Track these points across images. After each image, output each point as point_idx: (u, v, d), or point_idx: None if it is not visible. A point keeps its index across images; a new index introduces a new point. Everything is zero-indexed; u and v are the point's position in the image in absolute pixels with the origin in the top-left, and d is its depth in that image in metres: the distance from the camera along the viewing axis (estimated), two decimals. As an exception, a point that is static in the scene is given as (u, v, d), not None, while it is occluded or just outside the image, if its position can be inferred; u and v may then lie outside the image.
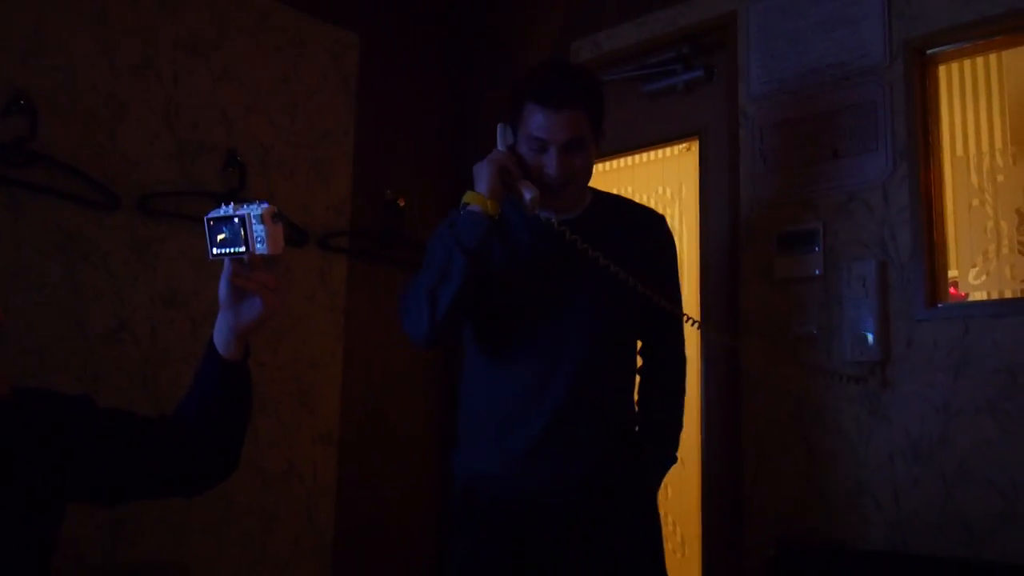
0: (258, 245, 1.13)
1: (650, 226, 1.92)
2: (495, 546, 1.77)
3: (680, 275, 1.99)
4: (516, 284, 1.78)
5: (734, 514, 2.29)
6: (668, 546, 3.18)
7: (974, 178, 2.15)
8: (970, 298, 2.20)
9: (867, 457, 2.07)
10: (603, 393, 1.79)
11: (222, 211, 1.16)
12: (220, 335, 1.26)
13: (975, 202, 2.15)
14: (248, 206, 1.14)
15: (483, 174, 1.69)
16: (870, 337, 2.07)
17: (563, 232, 1.70)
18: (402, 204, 2.89)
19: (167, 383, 2.33)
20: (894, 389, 2.05)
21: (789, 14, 2.32)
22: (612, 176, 3.34)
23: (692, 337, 2.11)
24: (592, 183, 1.90)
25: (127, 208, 2.30)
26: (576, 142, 1.72)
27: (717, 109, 2.50)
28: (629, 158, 3.25)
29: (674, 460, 1.90)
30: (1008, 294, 2.12)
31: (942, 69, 2.18)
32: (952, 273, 2.14)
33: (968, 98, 2.35)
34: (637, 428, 1.89)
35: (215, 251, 1.17)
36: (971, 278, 2.13)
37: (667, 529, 3.22)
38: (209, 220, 1.16)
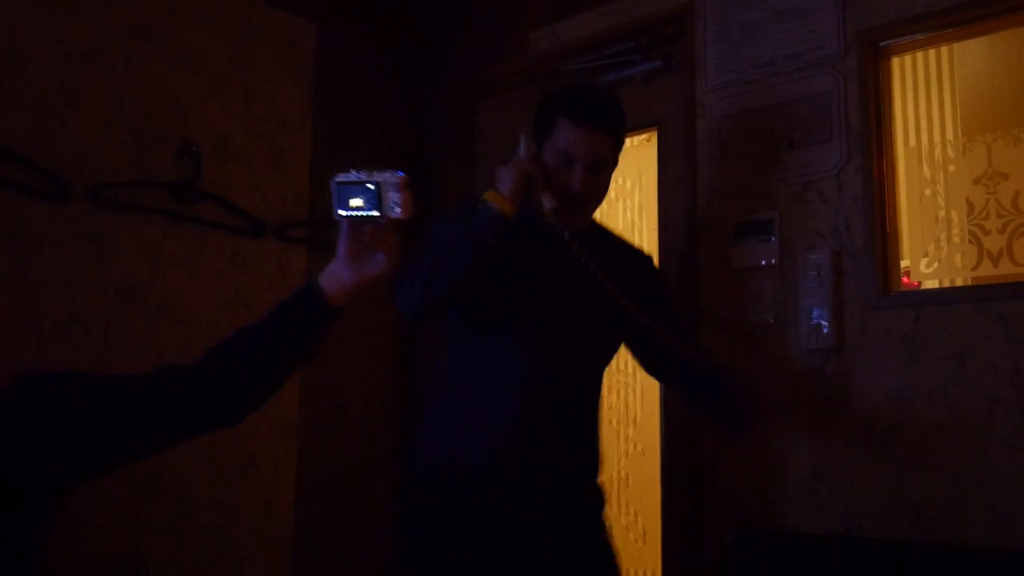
0: (396, 210, 1.24)
1: (639, 262, 2.03)
2: (457, 530, 1.78)
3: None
4: (514, 283, 1.82)
5: (693, 502, 2.31)
6: (630, 536, 3.22)
7: (926, 168, 2.19)
8: (922, 286, 2.24)
9: (822, 444, 2.10)
10: (581, 397, 1.88)
11: (352, 176, 1.26)
12: (331, 280, 1.33)
13: (927, 192, 2.19)
14: (379, 174, 1.25)
15: (508, 177, 1.73)
16: (825, 325, 2.10)
17: (572, 243, 1.76)
18: (362, 195, 2.87)
19: (121, 376, 2.30)
20: (848, 376, 2.08)
21: (745, 5, 2.34)
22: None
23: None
24: None
25: (79, 198, 2.25)
26: (600, 162, 1.81)
27: (675, 100, 2.51)
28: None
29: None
30: (959, 282, 2.16)
31: (895, 61, 2.21)
32: (905, 263, 2.18)
33: (921, 90, 2.39)
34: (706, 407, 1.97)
35: (343, 212, 1.27)
36: (922, 267, 2.17)
37: (628, 519, 3.25)
38: (338, 183, 1.27)
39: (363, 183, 1.25)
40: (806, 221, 2.19)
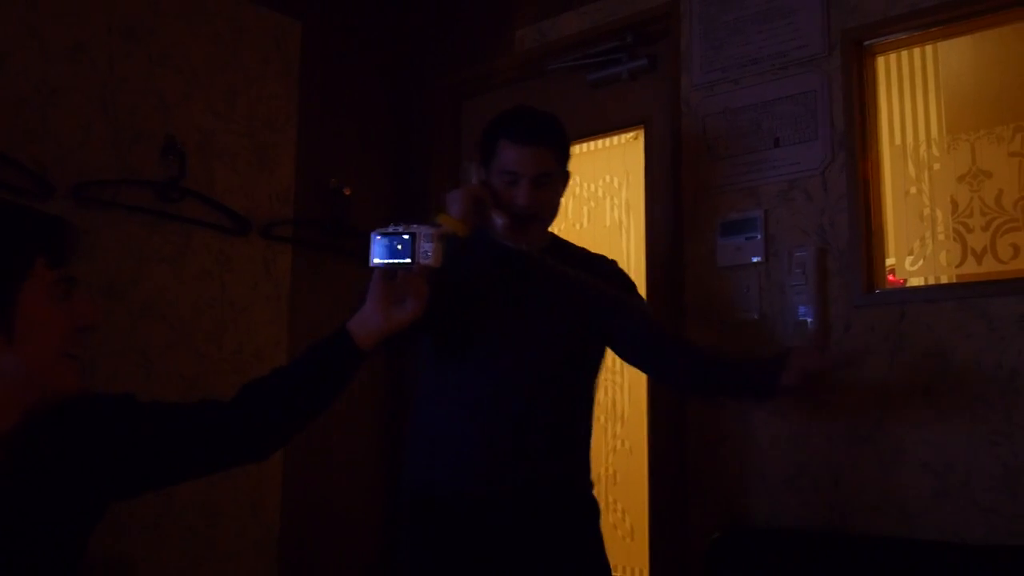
0: (427, 257, 1.34)
1: (603, 266, 2.05)
2: (446, 550, 1.81)
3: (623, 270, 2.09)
4: (477, 305, 1.87)
5: (680, 499, 2.31)
6: (617, 533, 3.22)
7: (911, 166, 2.19)
8: (908, 284, 2.25)
9: (807, 441, 2.11)
10: (558, 408, 1.88)
11: (391, 228, 1.36)
12: (362, 328, 1.39)
13: (912, 190, 2.19)
14: (416, 226, 1.35)
15: (456, 200, 1.80)
16: (809, 323, 2.11)
17: (531, 255, 1.87)
18: (347, 193, 2.86)
19: (106, 376, 2.28)
20: (833, 374, 2.08)
21: (730, 4, 2.35)
22: (559, 165, 3.34)
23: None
24: None
25: (62, 197, 2.24)
26: (544, 177, 1.86)
27: (661, 98, 2.51)
28: (576, 147, 3.26)
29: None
30: (944, 279, 2.17)
31: (880, 60, 2.22)
32: (890, 260, 2.18)
33: (906, 88, 2.39)
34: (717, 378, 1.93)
35: (377, 260, 1.36)
36: (908, 264, 2.17)
37: (616, 517, 3.26)
38: (376, 234, 1.36)
39: (400, 234, 1.35)
40: (791, 219, 2.20)
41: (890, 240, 2.17)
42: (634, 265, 2.84)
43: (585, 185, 3.51)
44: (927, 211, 2.17)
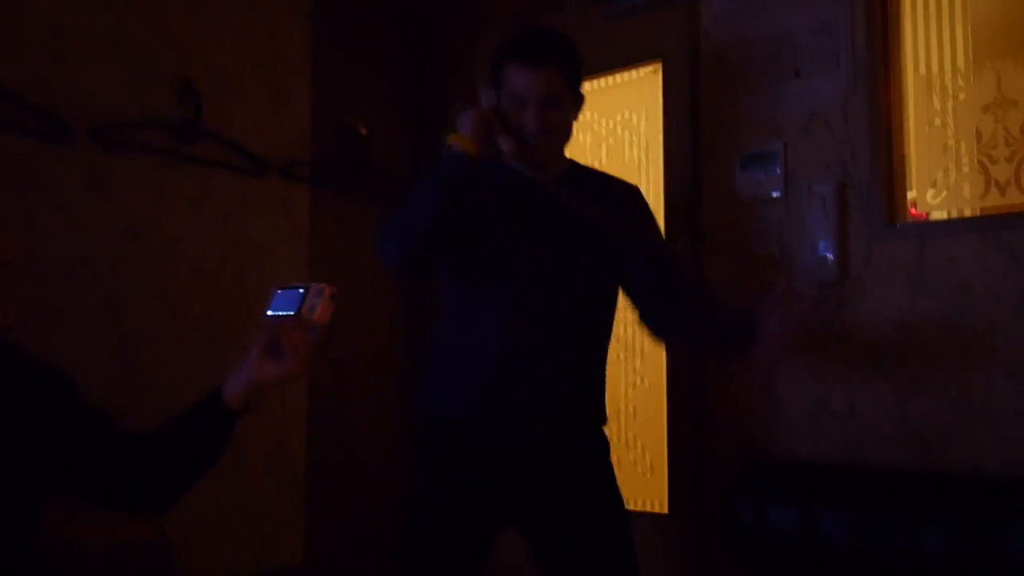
0: (308, 311, 1.31)
1: (624, 193, 2.00)
2: (456, 476, 1.84)
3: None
4: (492, 232, 1.87)
5: (698, 435, 2.34)
6: (637, 469, 3.26)
7: (935, 97, 2.15)
8: (930, 217, 2.22)
9: (825, 374, 2.12)
10: (573, 340, 1.88)
11: (291, 284, 1.36)
12: (232, 384, 1.35)
13: (936, 121, 2.15)
14: (315, 284, 1.33)
15: (467, 120, 1.79)
16: (829, 257, 2.10)
17: (548, 187, 1.86)
18: (364, 132, 2.85)
19: (131, 318, 2.32)
20: (853, 307, 2.08)
21: (752, -70, 2.28)
22: (577, 101, 3.30)
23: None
24: None
25: (80, 139, 2.25)
26: (552, 99, 1.83)
27: (680, 29, 2.47)
28: (594, 82, 3.21)
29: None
30: (967, 212, 2.14)
31: (905, -14, 2.16)
32: (911, 193, 2.16)
33: (931, 15, 2.33)
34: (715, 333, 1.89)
35: (270, 312, 1.34)
36: (929, 198, 2.14)
37: (636, 453, 3.29)
38: (276, 290, 1.36)
39: (295, 287, 1.34)
40: (812, 152, 2.17)
41: (912, 173, 2.14)
42: (653, 201, 2.81)
43: (603, 121, 3.47)
44: (951, 142, 2.13)
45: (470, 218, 1.82)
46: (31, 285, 2.15)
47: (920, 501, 1.86)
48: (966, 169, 2.09)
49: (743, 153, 2.27)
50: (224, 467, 2.46)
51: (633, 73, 3.11)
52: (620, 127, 3.44)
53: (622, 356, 3.36)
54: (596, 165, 3.50)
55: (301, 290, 1.33)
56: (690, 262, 2.33)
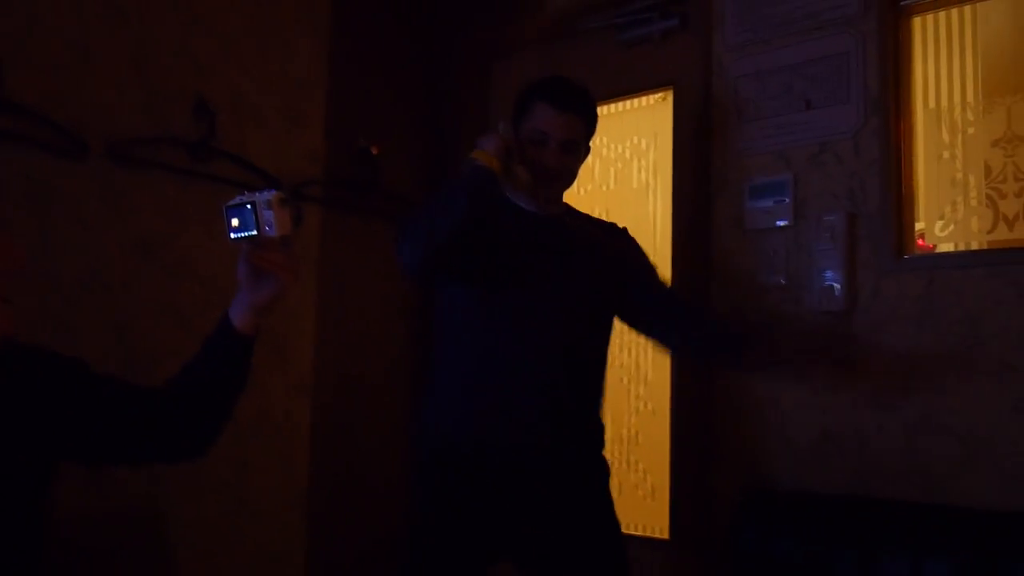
0: (267, 228, 1.27)
1: (615, 231, 2.11)
2: (457, 508, 1.86)
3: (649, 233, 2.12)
4: (499, 261, 1.92)
5: (703, 462, 2.33)
6: (638, 493, 3.26)
7: (944, 130, 2.17)
8: (937, 249, 2.23)
9: (832, 405, 2.12)
10: (576, 368, 1.93)
11: (236, 199, 1.29)
12: (237, 310, 1.37)
13: (945, 155, 2.17)
14: (259, 193, 1.28)
15: (491, 139, 1.85)
16: (837, 288, 2.10)
17: (552, 220, 1.97)
18: (376, 152, 2.87)
19: (142, 334, 2.33)
20: (860, 339, 2.09)
21: (764, -37, 2.31)
22: (587, 126, 3.32)
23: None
24: None
25: (96, 156, 2.26)
26: (571, 144, 1.94)
27: (692, 59, 2.49)
28: (605, 107, 3.24)
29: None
30: (975, 245, 2.14)
31: (916, 21, 2.19)
32: (920, 225, 2.17)
33: (942, 50, 2.35)
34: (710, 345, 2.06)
35: (232, 235, 1.30)
36: (937, 230, 2.15)
37: (638, 477, 3.29)
38: (226, 207, 1.30)
39: (243, 204, 1.28)
40: (821, 183, 2.18)
41: (920, 205, 2.15)
42: (660, 227, 2.83)
43: (612, 146, 3.49)
44: (959, 176, 2.14)
45: (483, 242, 1.86)
46: (43, 298, 2.16)
47: (925, 534, 1.86)
48: (974, 203, 2.10)
49: (752, 182, 2.28)
50: (227, 482, 2.49)
51: (644, 100, 3.14)
52: (629, 152, 3.46)
53: (626, 381, 3.37)
54: (604, 189, 3.53)
55: (248, 205, 1.28)
56: (688, 290, 2.36)
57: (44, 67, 2.19)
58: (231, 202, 1.30)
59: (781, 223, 2.23)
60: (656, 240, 2.92)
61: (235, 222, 1.29)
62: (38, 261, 2.16)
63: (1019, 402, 1.87)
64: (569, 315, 1.92)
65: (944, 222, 2.14)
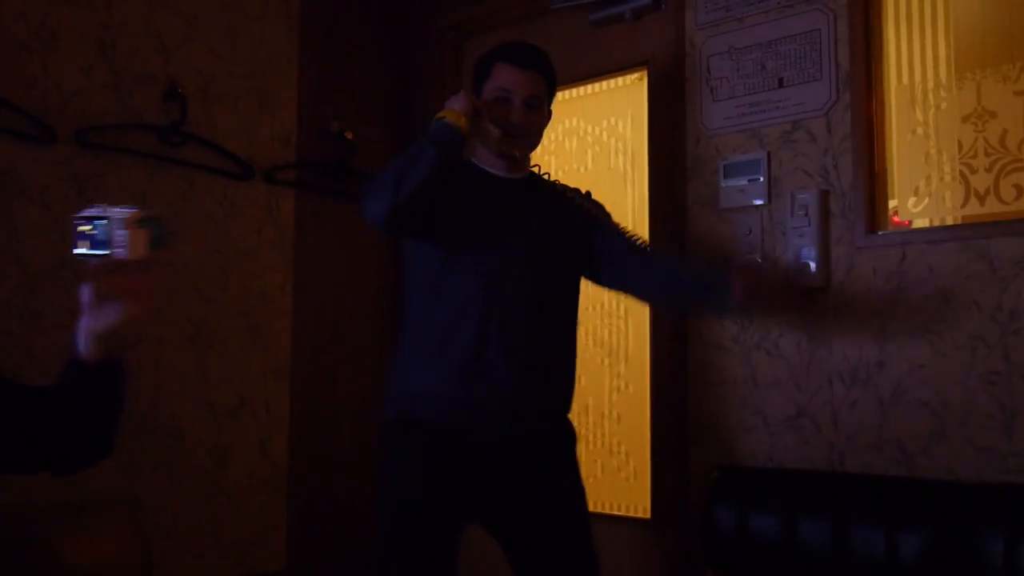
0: (117, 248, 1.13)
1: (578, 194, 2.11)
2: (428, 473, 1.87)
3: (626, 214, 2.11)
4: (464, 224, 1.94)
5: (681, 440, 2.34)
6: (621, 475, 3.27)
7: (918, 106, 2.17)
8: (912, 225, 2.24)
9: (807, 381, 2.13)
10: (542, 333, 1.94)
11: (88, 211, 1.15)
12: (80, 336, 1.21)
13: (917, 130, 2.17)
14: (117, 209, 1.14)
15: (458, 99, 1.86)
16: (812, 264, 2.11)
17: (527, 181, 2.02)
18: (350, 136, 2.85)
19: (113, 320, 2.31)
20: (834, 315, 2.10)
21: (736, -60, 2.30)
22: (562, 108, 3.29)
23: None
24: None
25: (64, 142, 2.24)
26: (535, 100, 1.96)
27: (664, 38, 2.48)
28: (579, 88, 3.23)
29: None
30: (948, 221, 2.16)
31: (887, -4, 2.18)
32: (893, 202, 2.17)
33: (914, 26, 2.36)
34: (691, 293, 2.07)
35: (76, 251, 1.15)
36: (911, 206, 2.16)
37: (619, 459, 3.30)
38: (76, 219, 1.16)
39: (96, 218, 1.14)
40: (794, 160, 2.19)
41: (894, 181, 2.16)
42: (637, 207, 2.83)
43: (589, 128, 3.48)
44: (932, 151, 2.15)
45: (449, 199, 1.88)
46: (12, 287, 2.14)
47: (899, 507, 1.88)
48: (947, 178, 2.11)
49: (727, 161, 2.28)
50: (206, 469, 2.47)
51: (619, 80, 3.13)
52: (606, 134, 3.45)
53: (606, 361, 3.37)
54: (582, 171, 3.52)
55: (104, 220, 1.13)
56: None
57: (8, 52, 2.15)
58: (81, 213, 1.16)
59: (755, 202, 2.23)
60: (634, 222, 2.92)
61: (85, 237, 1.15)
62: (7, 248, 2.13)
63: (991, 375, 1.88)
64: (535, 274, 1.93)
65: (917, 198, 2.15)
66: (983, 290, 1.91)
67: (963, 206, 2.08)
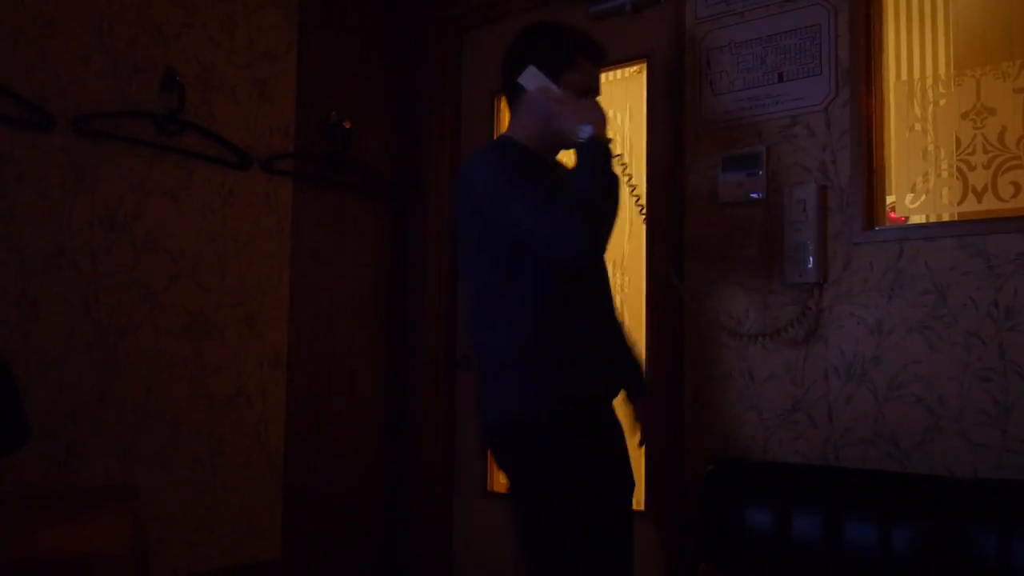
0: None
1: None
2: (589, 445, 1.89)
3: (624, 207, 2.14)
4: None
5: (675, 433, 2.35)
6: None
7: (916, 102, 2.17)
8: (909, 221, 2.25)
9: (803, 376, 2.14)
10: (612, 306, 2.08)
11: None
12: None
13: (916, 127, 2.18)
14: None
15: (598, 110, 1.89)
16: (809, 260, 2.11)
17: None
18: (348, 126, 2.85)
19: (109, 309, 2.31)
20: (831, 310, 2.10)
21: (737, -66, 2.30)
22: (562, 99, 3.30)
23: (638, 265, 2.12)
24: None
25: (61, 129, 2.23)
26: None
27: (664, 31, 2.48)
28: (579, 81, 3.23)
29: None
30: (945, 217, 2.16)
31: (888, -8, 2.18)
32: (891, 197, 2.18)
33: (914, 22, 2.36)
34: None
35: None
36: (908, 202, 2.17)
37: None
38: None
39: None
40: (793, 155, 2.19)
41: (892, 177, 2.16)
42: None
43: (588, 120, 3.48)
44: (931, 148, 2.15)
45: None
46: (7, 274, 2.13)
47: (892, 502, 1.88)
48: (945, 175, 2.12)
49: (725, 155, 2.28)
50: (202, 457, 2.48)
51: (618, 72, 3.13)
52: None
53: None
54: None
55: None
56: (664, 265, 2.35)
57: (6, 38, 2.14)
58: None
59: (754, 196, 2.23)
60: (631, 215, 2.92)
61: None
62: (4, 235, 2.13)
63: (986, 371, 1.89)
64: (601, 264, 2.02)
65: (915, 194, 2.15)
66: (979, 287, 1.91)
67: (960, 203, 2.09)
